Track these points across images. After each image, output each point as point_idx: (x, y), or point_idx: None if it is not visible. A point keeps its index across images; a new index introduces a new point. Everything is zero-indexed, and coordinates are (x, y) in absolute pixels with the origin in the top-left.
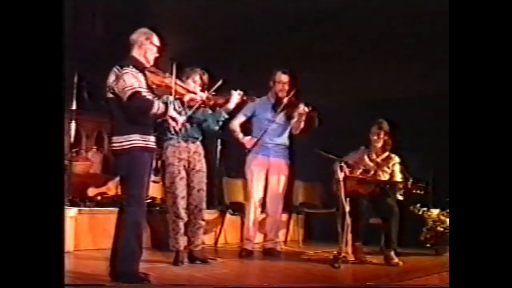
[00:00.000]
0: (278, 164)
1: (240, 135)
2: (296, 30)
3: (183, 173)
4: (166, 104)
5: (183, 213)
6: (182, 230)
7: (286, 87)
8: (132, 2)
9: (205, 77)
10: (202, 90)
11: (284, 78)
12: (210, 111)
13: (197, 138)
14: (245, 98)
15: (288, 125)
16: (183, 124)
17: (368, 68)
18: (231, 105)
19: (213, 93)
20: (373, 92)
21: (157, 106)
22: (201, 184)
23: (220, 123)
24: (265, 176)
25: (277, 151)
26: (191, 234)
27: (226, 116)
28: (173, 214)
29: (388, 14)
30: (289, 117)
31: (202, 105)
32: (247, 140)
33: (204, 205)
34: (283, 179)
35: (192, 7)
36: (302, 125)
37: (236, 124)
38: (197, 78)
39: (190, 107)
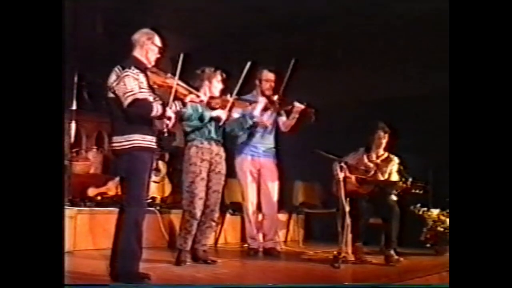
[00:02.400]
0: (269, 165)
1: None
2: (296, 30)
3: (204, 174)
4: (163, 106)
5: (198, 214)
6: (193, 231)
7: (273, 85)
8: (133, 2)
9: (225, 77)
10: (225, 89)
11: (271, 76)
12: (235, 116)
13: (219, 141)
14: (269, 105)
15: (275, 124)
16: (174, 124)
17: (368, 68)
18: (257, 111)
19: (236, 96)
20: (373, 92)
21: (156, 109)
22: (218, 185)
23: (245, 129)
24: (258, 177)
25: (266, 151)
26: (200, 233)
27: (251, 123)
28: (188, 214)
29: (388, 14)
30: (278, 115)
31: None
32: (266, 120)
33: (217, 206)
34: (275, 179)
35: (192, 7)
36: (293, 122)
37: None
38: (219, 78)
39: (213, 108)
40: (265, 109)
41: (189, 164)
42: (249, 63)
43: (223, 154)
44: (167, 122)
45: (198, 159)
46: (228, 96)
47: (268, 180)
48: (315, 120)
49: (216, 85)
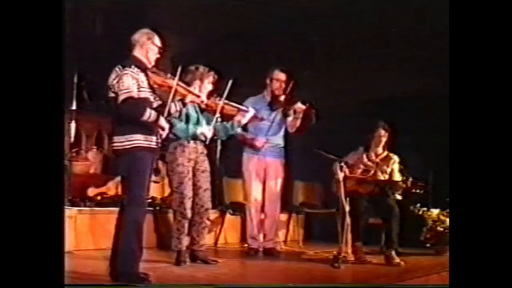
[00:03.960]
0: (275, 164)
1: (248, 136)
2: (296, 29)
3: (191, 174)
4: (158, 114)
5: (189, 213)
6: (186, 231)
7: (283, 85)
8: (133, 2)
9: (216, 78)
10: (214, 91)
11: (282, 76)
12: (221, 120)
13: (202, 140)
14: (258, 116)
15: (284, 124)
16: (168, 133)
17: (368, 68)
18: (244, 120)
19: (225, 100)
20: (373, 92)
21: (148, 114)
22: (207, 183)
23: (229, 135)
24: (263, 177)
25: (274, 151)
26: (196, 234)
27: (238, 131)
28: (179, 215)
29: (388, 13)
30: (285, 115)
31: (217, 114)
32: (258, 140)
33: (210, 204)
34: (280, 179)
35: (192, 7)
36: (298, 123)
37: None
38: (211, 79)
39: (203, 111)
40: (267, 119)
41: (176, 165)
42: (231, 81)
43: (205, 151)
44: (160, 131)
45: (185, 159)
46: (218, 99)
47: (273, 180)
48: (315, 120)
49: (207, 86)
